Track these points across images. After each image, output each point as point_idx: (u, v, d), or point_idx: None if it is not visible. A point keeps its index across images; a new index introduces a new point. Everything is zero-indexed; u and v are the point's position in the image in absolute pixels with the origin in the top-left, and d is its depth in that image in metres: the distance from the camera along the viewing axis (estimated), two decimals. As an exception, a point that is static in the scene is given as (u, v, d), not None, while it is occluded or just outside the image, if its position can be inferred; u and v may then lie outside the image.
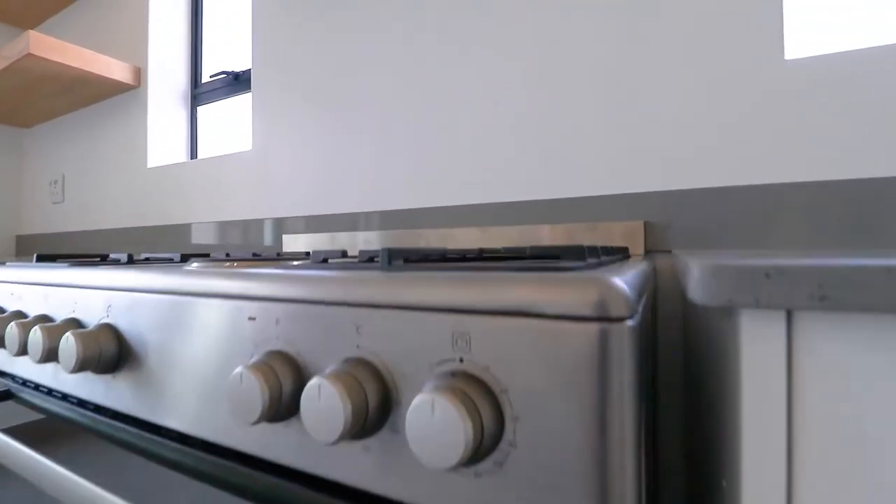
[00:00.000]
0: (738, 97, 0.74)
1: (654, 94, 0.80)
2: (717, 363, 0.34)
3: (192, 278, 0.38)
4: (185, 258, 0.66)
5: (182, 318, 0.38)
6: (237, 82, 1.53)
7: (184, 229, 1.47)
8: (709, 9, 0.76)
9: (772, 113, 0.72)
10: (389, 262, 0.32)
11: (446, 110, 1.00)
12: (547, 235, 0.85)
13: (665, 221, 0.77)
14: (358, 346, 0.28)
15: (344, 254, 0.42)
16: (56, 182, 1.92)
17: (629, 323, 0.22)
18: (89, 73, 1.47)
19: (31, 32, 1.33)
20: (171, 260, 0.67)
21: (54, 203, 1.93)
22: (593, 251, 0.38)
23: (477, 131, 0.96)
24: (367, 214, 1.09)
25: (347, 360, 0.28)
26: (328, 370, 0.28)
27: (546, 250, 0.36)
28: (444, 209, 0.99)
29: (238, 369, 0.30)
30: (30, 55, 1.33)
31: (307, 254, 1.02)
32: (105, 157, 1.74)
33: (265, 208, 1.28)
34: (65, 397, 0.49)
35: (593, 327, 0.22)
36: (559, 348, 0.23)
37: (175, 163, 1.52)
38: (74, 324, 0.47)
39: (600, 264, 0.35)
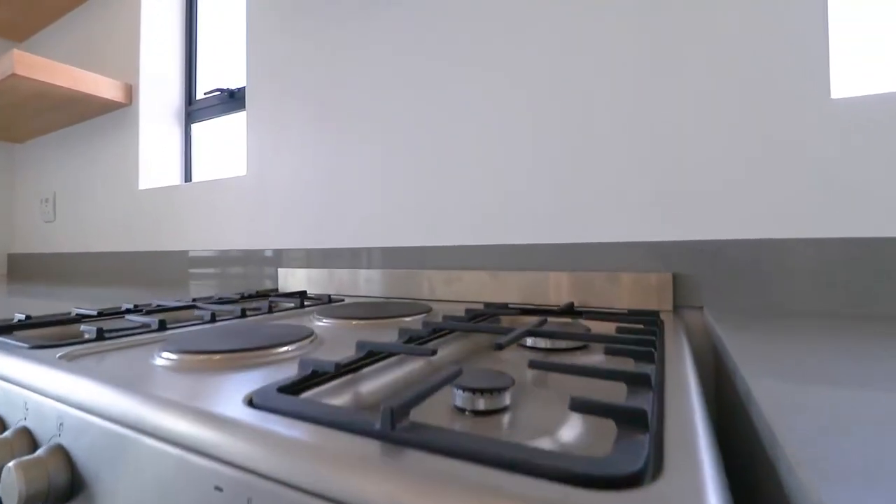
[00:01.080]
0: (778, 138, 0.66)
1: (684, 131, 0.72)
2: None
3: (149, 408, 0.32)
4: (163, 324, 0.59)
5: (139, 461, 0.31)
6: (232, 100, 1.46)
7: (176, 256, 1.40)
8: (747, 38, 0.68)
9: (816, 157, 0.64)
10: (392, 426, 0.25)
11: (453, 134, 0.93)
12: (558, 283, 0.78)
13: (696, 274, 0.70)
14: (349, 567, 0.21)
15: (337, 366, 0.35)
16: (47, 200, 1.86)
17: None
18: (77, 91, 1.40)
19: (15, 52, 1.26)
20: (148, 327, 0.60)
21: (46, 222, 1.87)
22: (644, 395, 0.31)
23: (485, 161, 0.89)
24: (369, 250, 1.02)
25: (335, 588, 0.21)
26: None
27: (597, 402, 0.28)
28: (450, 249, 0.92)
29: (195, 581, 0.23)
30: (14, 75, 1.27)
31: (302, 294, 0.95)
32: (96, 176, 1.67)
33: (261, 237, 1.22)
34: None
35: None
36: None
37: (167, 186, 1.45)
38: (25, 436, 0.40)
39: (660, 408, 0.28)
